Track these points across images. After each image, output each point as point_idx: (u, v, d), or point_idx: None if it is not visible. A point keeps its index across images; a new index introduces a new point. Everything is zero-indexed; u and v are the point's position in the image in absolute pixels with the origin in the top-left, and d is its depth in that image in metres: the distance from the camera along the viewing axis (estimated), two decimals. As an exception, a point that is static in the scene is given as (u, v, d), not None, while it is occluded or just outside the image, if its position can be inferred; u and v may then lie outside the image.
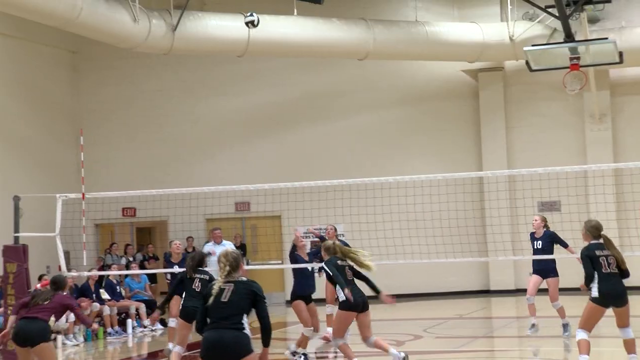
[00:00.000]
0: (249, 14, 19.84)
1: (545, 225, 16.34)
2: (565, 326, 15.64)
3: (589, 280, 11.48)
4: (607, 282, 11.42)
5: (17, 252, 14.85)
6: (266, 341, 8.53)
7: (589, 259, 11.51)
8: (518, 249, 21.63)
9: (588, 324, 11.48)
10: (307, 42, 23.90)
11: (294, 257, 14.68)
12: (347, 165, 24.48)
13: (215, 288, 8.35)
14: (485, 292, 25.85)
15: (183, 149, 27.06)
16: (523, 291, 21.59)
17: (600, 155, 24.86)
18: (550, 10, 21.83)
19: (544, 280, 16.03)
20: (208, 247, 19.59)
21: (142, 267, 23.80)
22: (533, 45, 22.43)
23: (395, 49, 24.87)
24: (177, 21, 22.36)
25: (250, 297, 8.43)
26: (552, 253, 16.26)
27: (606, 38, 22.02)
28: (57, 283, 11.86)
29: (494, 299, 24.97)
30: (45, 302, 11.42)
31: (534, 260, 16.44)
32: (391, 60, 25.99)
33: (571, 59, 21.35)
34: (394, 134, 26.50)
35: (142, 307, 20.99)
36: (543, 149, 25.21)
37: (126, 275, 21.84)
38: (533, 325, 16.29)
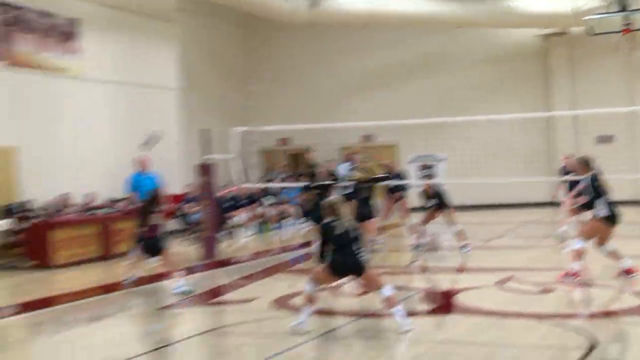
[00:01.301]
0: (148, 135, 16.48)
1: None
2: None
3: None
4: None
5: (206, 169, 15.22)
6: None
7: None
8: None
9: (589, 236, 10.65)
10: (416, 14, 23.55)
11: None
12: (448, 108, 24.15)
13: None
14: (551, 204, 25.33)
15: (324, 96, 27.15)
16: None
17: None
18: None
19: None
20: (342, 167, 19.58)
21: (296, 180, 24.07)
22: (593, 15, 21.67)
23: (484, 20, 24.29)
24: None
25: None
26: None
27: (653, 7, 21.11)
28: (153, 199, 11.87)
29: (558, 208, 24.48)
30: None
31: None
32: (479, 28, 25.38)
33: (624, 25, 20.58)
34: (484, 84, 25.99)
35: (293, 210, 21.30)
36: (599, 95, 24.38)
37: (284, 187, 22.15)
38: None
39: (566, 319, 8.66)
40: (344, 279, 8.79)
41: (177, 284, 10.94)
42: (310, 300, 8.19)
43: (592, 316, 8.93)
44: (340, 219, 8.27)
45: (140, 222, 11.41)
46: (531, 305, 9.49)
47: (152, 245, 11.26)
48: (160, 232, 11.42)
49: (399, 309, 8.05)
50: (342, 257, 8.11)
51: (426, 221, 14.99)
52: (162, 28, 20.79)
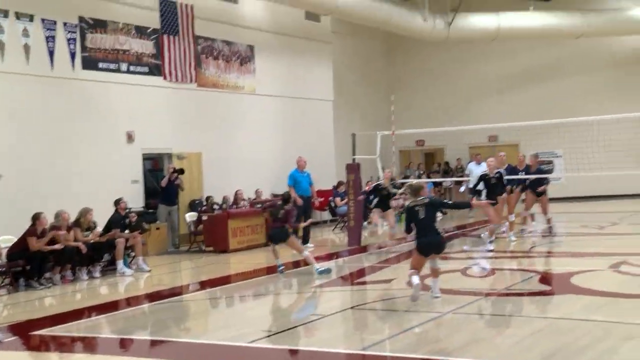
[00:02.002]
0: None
1: None
2: None
3: None
4: None
5: (354, 168, 15.37)
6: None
7: None
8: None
9: None
10: (539, 28, 22.74)
11: None
12: (565, 110, 23.05)
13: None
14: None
15: (455, 101, 26.71)
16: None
17: None
18: None
19: None
20: (470, 166, 19.17)
21: (428, 177, 23.94)
22: None
23: (602, 29, 23.10)
24: (452, 19, 21.99)
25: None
26: None
27: None
28: (286, 198, 11.59)
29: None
30: (279, 216, 11.27)
31: None
32: (598, 37, 24.11)
33: None
34: (598, 89, 24.68)
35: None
36: None
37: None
38: None
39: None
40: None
41: (316, 266, 11.02)
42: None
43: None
44: (421, 202, 8.32)
45: (272, 215, 11.62)
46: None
47: (276, 235, 11.32)
48: (288, 224, 11.33)
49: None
50: (426, 238, 8.29)
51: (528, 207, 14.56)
52: (319, 48, 21.20)
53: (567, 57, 25.12)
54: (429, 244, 8.34)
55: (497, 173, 13.22)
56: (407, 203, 8.93)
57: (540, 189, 14.52)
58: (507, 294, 8.95)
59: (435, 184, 22.53)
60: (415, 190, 8.57)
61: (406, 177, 22.89)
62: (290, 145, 19.42)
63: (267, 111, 19.35)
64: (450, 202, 10.16)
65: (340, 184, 18.72)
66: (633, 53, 24.51)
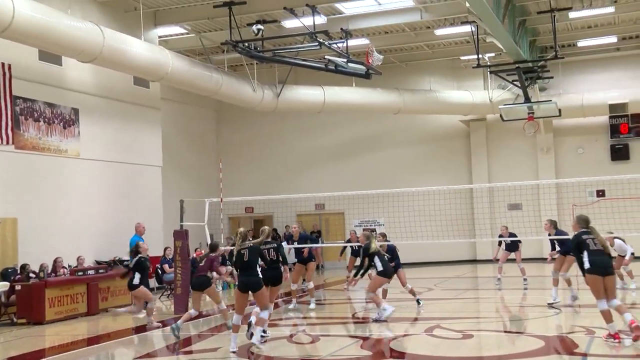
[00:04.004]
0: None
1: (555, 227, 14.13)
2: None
3: (580, 260, 9.33)
4: (595, 256, 9.19)
5: (182, 234, 15.13)
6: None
7: (577, 245, 9.41)
8: (495, 233, 21.51)
9: (599, 294, 9.14)
10: (361, 103, 24.01)
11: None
12: (386, 180, 24.51)
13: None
14: (473, 261, 25.65)
15: (284, 170, 27.38)
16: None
17: (547, 174, 24.62)
18: (515, 83, 21.66)
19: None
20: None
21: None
22: (505, 105, 22.37)
23: (417, 107, 24.90)
24: (280, 91, 22.69)
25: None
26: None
27: (550, 100, 21.94)
28: (213, 247, 12.20)
29: (478, 265, 24.76)
30: (202, 264, 11.71)
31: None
32: (414, 114, 25.95)
33: (528, 113, 21.30)
34: (415, 161, 26.47)
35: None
36: (511, 170, 24.99)
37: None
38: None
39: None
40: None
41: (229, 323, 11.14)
42: None
43: (501, 357, 8.98)
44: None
45: (193, 264, 12.27)
46: (454, 349, 9.54)
47: (199, 282, 11.73)
48: (212, 271, 12.21)
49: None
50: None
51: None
52: (148, 114, 20.86)
53: (387, 131, 26.74)
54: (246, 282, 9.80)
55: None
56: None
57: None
58: (330, 360, 9.12)
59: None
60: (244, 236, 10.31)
61: (234, 243, 22.81)
62: (118, 211, 18.78)
63: (92, 176, 18.62)
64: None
65: (168, 250, 18.29)
66: (444, 130, 26.59)
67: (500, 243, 17.95)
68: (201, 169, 25.91)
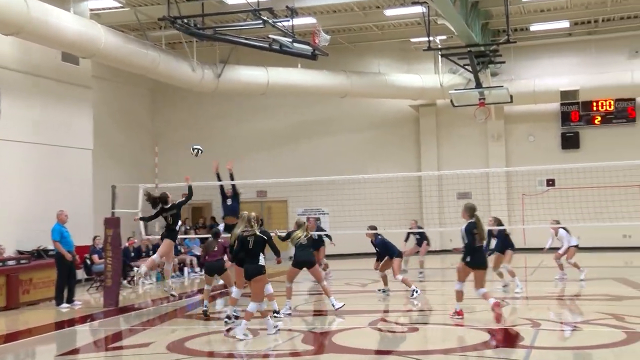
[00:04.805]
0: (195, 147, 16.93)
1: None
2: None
3: (469, 249, 10.71)
4: (476, 252, 10.71)
5: (113, 222, 14.89)
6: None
7: (471, 235, 10.71)
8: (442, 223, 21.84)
9: (462, 278, 10.94)
10: (307, 85, 23.98)
11: None
12: (332, 167, 24.53)
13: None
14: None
15: (223, 155, 27.05)
16: (448, 251, 21.80)
17: (497, 162, 25.07)
18: (466, 67, 21.93)
19: None
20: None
21: (195, 232, 23.88)
22: (455, 90, 22.62)
23: (365, 91, 24.99)
24: (221, 71, 22.47)
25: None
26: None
27: (502, 86, 22.27)
28: (215, 234, 12.49)
29: (425, 256, 24.99)
30: (215, 249, 12.07)
31: None
32: (362, 98, 26.05)
33: (479, 99, 21.58)
34: (363, 147, 26.61)
35: (194, 260, 21.12)
36: (461, 157, 25.35)
37: (185, 238, 21.94)
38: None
39: (427, 355, 8.82)
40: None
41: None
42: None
43: (447, 351, 9.13)
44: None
45: (206, 250, 12.27)
46: (398, 343, 9.66)
47: (213, 266, 12.14)
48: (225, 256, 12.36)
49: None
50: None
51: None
52: (78, 93, 20.36)
53: (333, 115, 26.79)
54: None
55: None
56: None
57: None
58: (267, 355, 9.12)
59: (202, 240, 22.49)
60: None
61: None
62: (43, 197, 18.27)
63: (15, 159, 18.08)
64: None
65: (97, 239, 17.97)
66: (393, 115, 26.78)
67: (407, 238, 18.49)
68: (135, 152, 25.50)
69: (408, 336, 10.16)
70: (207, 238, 18.04)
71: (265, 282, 10.68)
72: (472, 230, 10.72)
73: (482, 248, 10.93)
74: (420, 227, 18.20)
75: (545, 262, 19.71)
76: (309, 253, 12.53)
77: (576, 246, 15.95)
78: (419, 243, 18.52)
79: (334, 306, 12.16)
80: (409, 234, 18.60)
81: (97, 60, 19.39)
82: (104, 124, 23.22)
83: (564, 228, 16.03)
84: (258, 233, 10.55)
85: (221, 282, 13.43)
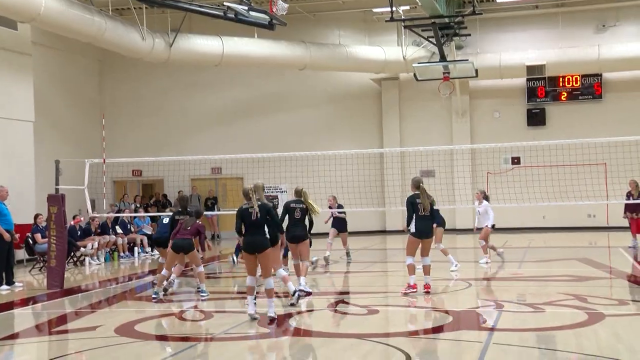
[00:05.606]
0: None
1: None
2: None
3: (409, 220, 11.55)
4: (420, 222, 11.46)
5: (57, 199, 14.63)
6: None
7: (411, 205, 11.53)
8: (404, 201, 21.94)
9: (411, 252, 11.65)
10: (264, 57, 23.81)
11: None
12: (290, 143, 24.48)
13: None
14: (382, 232, 26.20)
15: (176, 130, 26.95)
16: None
17: (462, 139, 25.31)
18: (430, 39, 22.02)
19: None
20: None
21: (145, 210, 23.68)
22: (419, 63, 22.71)
23: (324, 63, 24.95)
24: (173, 40, 22.16)
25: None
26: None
27: (467, 60, 22.44)
28: (198, 214, 12.53)
29: (388, 236, 25.30)
30: (188, 228, 12.03)
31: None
32: (321, 71, 26.00)
33: (444, 73, 21.73)
34: (323, 122, 26.62)
35: (145, 239, 20.96)
36: (424, 134, 25.53)
37: (135, 217, 21.74)
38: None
39: (387, 337, 8.91)
40: None
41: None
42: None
43: (409, 334, 9.24)
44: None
45: (183, 225, 12.17)
46: (357, 325, 9.73)
47: (182, 244, 12.05)
48: (196, 238, 12.33)
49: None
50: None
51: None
52: (16, 60, 19.90)
53: (292, 89, 26.71)
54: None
55: None
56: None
57: None
58: (224, 339, 9.11)
59: (153, 219, 22.36)
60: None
61: (120, 210, 22.41)
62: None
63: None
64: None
65: (40, 217, 17.68)
66: (354, 89, 26.79)
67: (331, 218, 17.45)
68: (81, 126, 25.09)
69: (367, 318, 10.24)
70: (158, 216, 18.04)
71: (273, 256, 10.67)
72: (415, 200, 11.49)
73: (426, 218, 11.50)
74: (340, 206, 17.48)
75: (510, 242, 20.04)
76: (302, 227, 12.19)
77: (493, 226, 15.92)
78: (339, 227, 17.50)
79: (301, 289, 11.84)
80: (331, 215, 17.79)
81: (37, 26, 18.95)
82: (47, 95, 22.80)
83: (487, 201, 16.13)
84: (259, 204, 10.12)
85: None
